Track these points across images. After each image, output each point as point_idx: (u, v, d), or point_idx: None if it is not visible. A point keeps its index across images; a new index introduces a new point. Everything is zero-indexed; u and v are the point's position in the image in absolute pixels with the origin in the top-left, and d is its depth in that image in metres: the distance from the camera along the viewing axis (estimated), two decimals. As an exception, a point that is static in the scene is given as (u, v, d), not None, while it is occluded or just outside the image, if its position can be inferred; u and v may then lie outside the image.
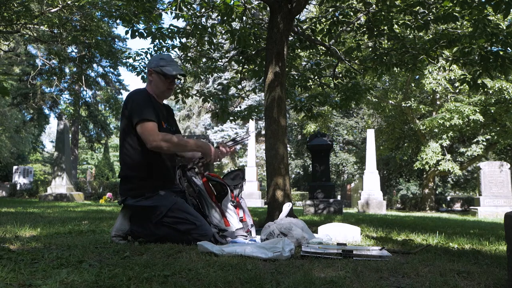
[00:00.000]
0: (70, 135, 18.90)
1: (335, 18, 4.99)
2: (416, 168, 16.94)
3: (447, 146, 17.48)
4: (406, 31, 5.40)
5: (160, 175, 2.45)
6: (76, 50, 19.02)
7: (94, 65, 22.98)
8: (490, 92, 13.93)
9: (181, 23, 26.75)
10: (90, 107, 24.88)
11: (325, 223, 3.10)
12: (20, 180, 18.38)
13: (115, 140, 40.67)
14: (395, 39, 4.95)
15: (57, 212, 5.57)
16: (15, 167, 19.59)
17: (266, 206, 3.66)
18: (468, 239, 3.19)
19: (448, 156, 16.47)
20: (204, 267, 1.63)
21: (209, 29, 5.23)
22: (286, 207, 2.72)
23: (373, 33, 4.87)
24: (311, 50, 5.64)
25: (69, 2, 10.29)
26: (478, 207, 12.44)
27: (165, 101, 2.71)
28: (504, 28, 4.52)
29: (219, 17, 4.80)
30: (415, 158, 17.74)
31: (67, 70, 20.43)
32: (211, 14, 5.24)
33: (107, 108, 25.28)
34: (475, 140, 16.96)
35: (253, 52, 5.28)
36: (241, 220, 2.54)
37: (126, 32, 4.72)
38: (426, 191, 18.47)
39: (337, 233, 2.72)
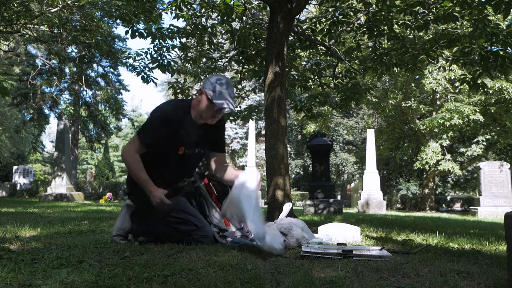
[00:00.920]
0: (70, 135, 18.87)
1: (335, 18, 4.99)
2: (416, 168, 16.93)
3: (447, 146, 17.47)
4: (406, 31, 5.40)
5: (164, 184, 2.41)
6: (76, 50, 18.99)
7: (94, 65, 22.92)
8: (490, 92, 13.91)
9: (181, 23, 26.70)
10: (90, 107, 24.84)
11: (325, 223, 3.10)
12: (20, 180, 18.37)
13: (115, 140, 40.72)
14: (395, 39, 4.95)
15: (57, 212, 5.57)
16: (15, 167, 19.58)
17: (266, 206, 3.66)
18: (468, 239, 3.19)
19: (448, 156, 16.46)
20: (204, 267, 1.63)
21: (209, 29, 5.22)
22: (286, 207, 2.72)
23: (373, 33, 4.87)
24: (311, 50, 5.64)
25: (69, 2, 10.28)
26: (478, 207, 12.43)
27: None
28: (504, 28, 4.52)
29: (219, 17, 4.80)
30: (415, 158, 17.72)
31: (67, 70, 20.38)
32: (211, 14, 5.24)
33: (107, 108, 25.23)
34: (475, 140, 16.94)
35: (253, 52, 5.28)
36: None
37: (126, 32, 4.72)
38: (426, 191, 18.45)
39: (337, 233, 2.72)
